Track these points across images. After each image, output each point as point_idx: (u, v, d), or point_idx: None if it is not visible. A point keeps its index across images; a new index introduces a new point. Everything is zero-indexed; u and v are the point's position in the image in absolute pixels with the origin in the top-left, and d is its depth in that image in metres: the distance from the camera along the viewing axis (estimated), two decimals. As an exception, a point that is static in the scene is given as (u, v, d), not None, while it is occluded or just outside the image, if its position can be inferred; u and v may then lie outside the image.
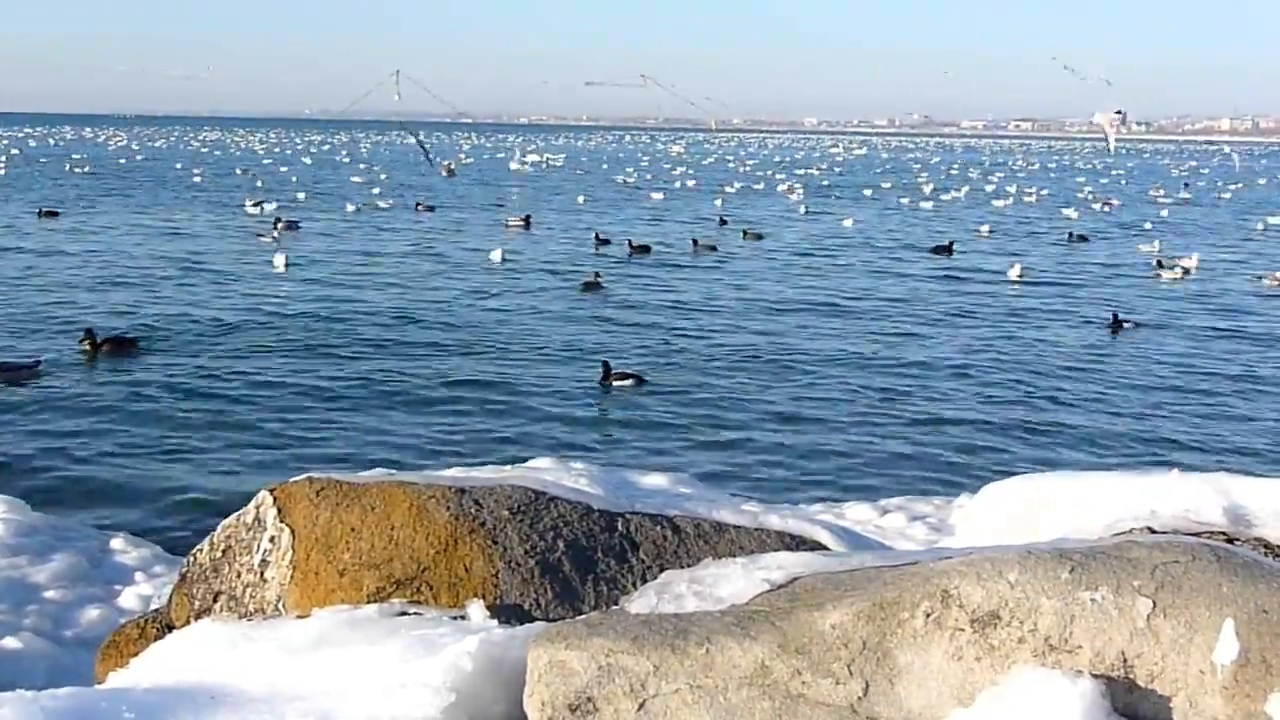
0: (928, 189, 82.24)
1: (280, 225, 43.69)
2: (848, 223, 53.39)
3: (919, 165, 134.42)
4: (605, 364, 19.80)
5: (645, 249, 39.29)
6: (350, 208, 54.43)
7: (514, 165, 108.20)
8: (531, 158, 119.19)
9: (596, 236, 42.30)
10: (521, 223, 48.65)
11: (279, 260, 33.67)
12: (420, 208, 55.75)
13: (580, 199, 63.11)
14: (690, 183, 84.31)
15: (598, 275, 32.14)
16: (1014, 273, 35.27)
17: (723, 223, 51.31)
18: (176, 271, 32.52)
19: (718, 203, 62.28)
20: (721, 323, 26.69)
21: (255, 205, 53.25)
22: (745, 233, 47.18)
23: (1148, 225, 55.61)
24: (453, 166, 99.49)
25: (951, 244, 43.29)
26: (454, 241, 42.74)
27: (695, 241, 41.32)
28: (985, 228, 51.14)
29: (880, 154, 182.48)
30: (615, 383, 19.41)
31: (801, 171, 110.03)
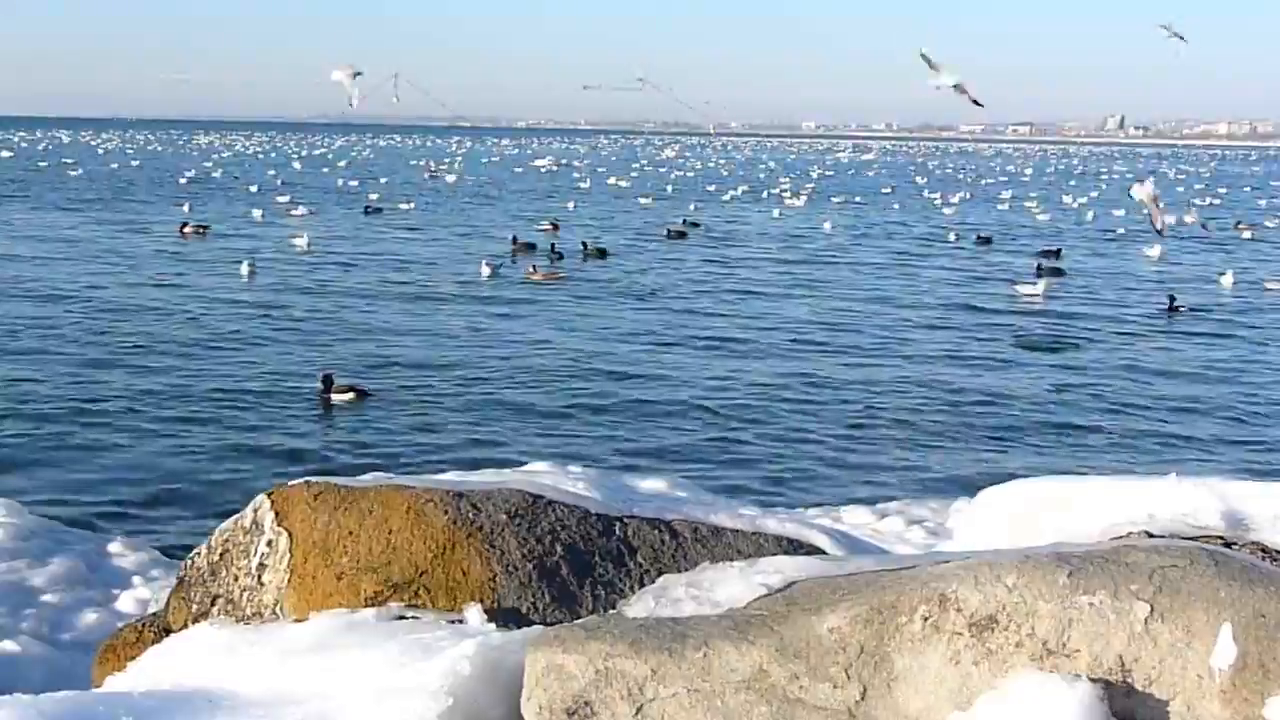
0: (927, 194, 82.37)
1: (188, 229, 42.92)
2: (827, 225, 53.07)
3: (913, 170, 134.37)
4: (326, 376, 18.54)
5: (560, 255, 39.18)
6: (299, 211, 54.07)
7: (538, 162, 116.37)
8: (540, 162, 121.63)
9: (514, 240, 41.43)
10: (550, 226, 48.04)
11: (243, 269, 33.42)
12: (369, 210, 55.49)
13: (570, 204, 62.47)
14: (682, 188, 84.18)
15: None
16: (1034, 289, 33.26)
17: (695, 225, 51.16)
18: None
19: (692, 207, 61.77)
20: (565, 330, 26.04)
21: (186, 208, 52.90)
22: (669, 233, 46.91)
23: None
24: (434, 168, 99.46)
25: (1059, 250, 42.90)
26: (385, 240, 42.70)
27: (585, 244, 40.46)
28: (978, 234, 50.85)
29: (881, 158, 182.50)
30: (335, 396, 18.15)
31: (796, 174, 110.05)
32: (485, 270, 33.91)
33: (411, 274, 34.41)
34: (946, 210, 67.29)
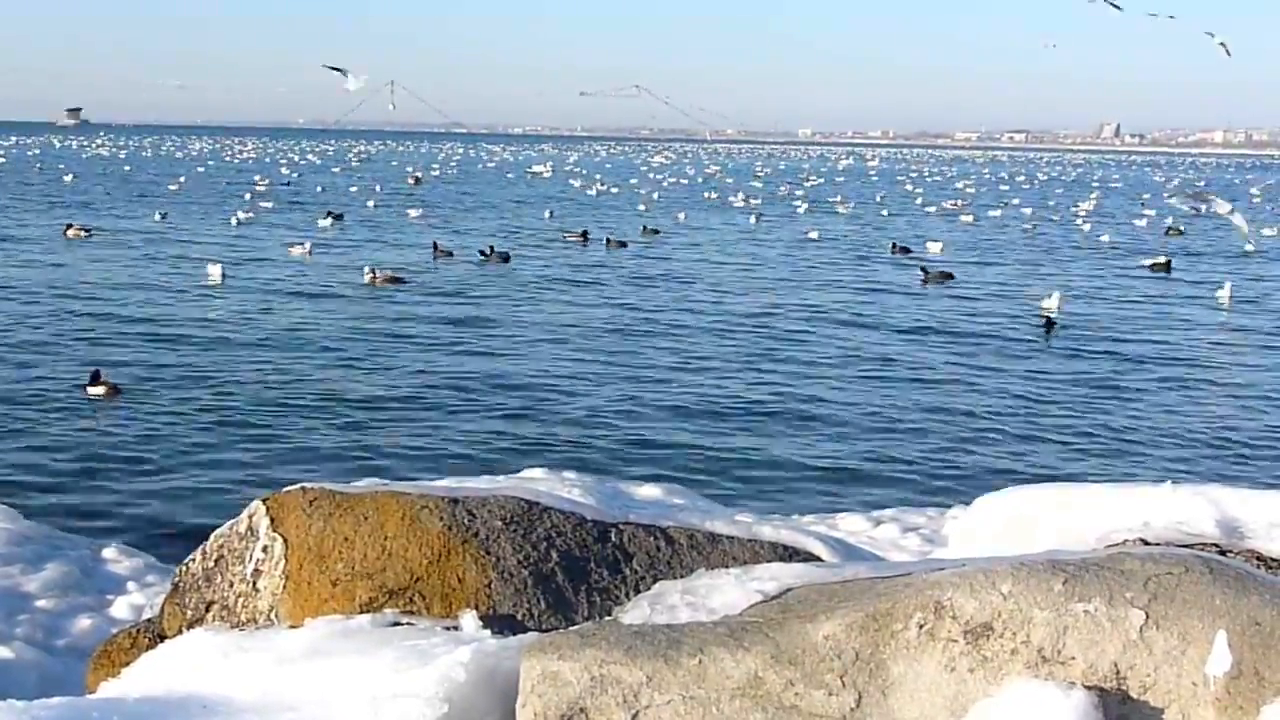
0: (918, 201, 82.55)
1: (71, 231, 42.50)
2: (813, 234, 52.53)
3: (913, 178, 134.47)
4: (95, 371, 19.25)
5: (448, 254, 40.05)
6: (245, 215, 53.92)
7: (536, 168, 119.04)
8: (537, 168, 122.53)
9: (435, 246, 41.43)
10: (579, 236, 47.70)
11: (214, 271, 33.23)
12: (329, 216, 54.65)
13: (547, 213, 61.44)
14: (672, 194, 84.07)
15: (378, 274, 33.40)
16: (1052, 304, 31.51)
17: (655, 232, 51.07)
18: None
19: (681, 216, 61.11)
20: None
21: (161, 215, 52.74)
22: (609, 241, 46.52)
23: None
24: (419, 175, 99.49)
25: (1169, 261, 42.17)
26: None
27: (483, 251, 40.34)
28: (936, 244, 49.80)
29: (879, 165, 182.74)
30: (90, 390, 18.85)
31: (791, 182, 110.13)
32: (368, 276, 33.43)
33: (299, 280, 33.93)
34: (965, 218, 67.19)
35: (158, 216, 52.69)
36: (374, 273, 33.52)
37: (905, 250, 45.97)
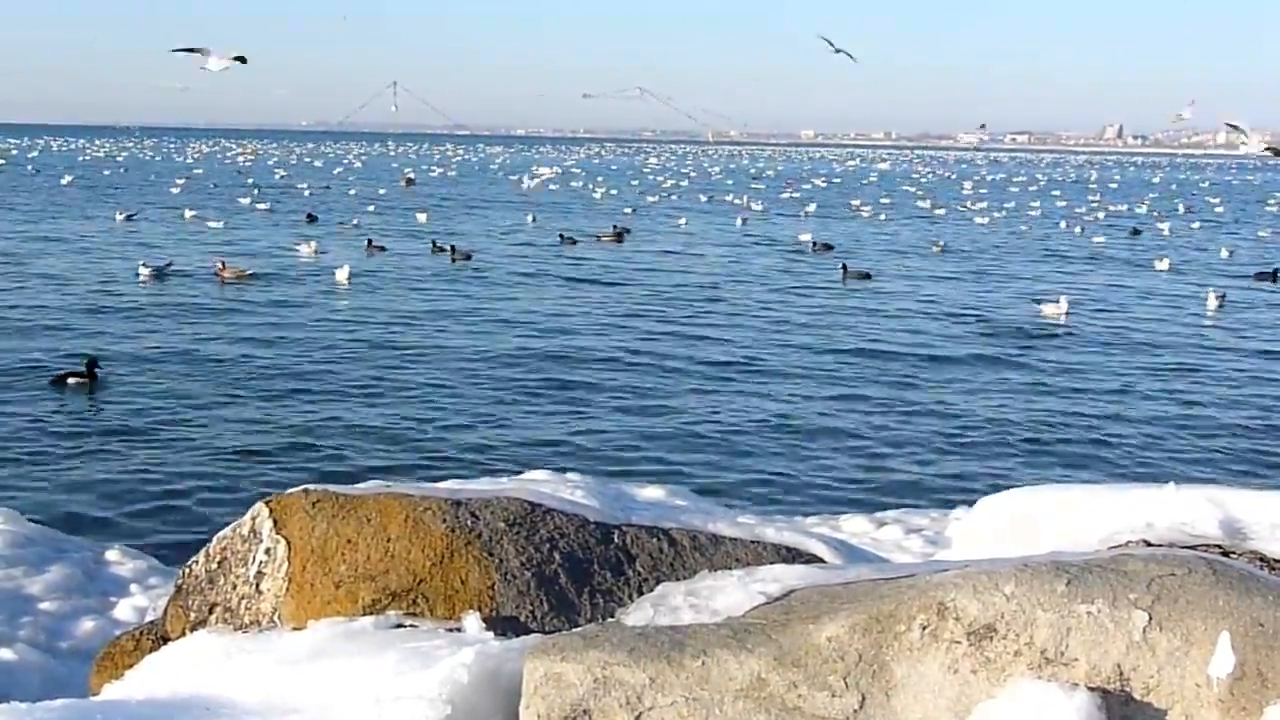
0: (925, 203, 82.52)
1: None
2: (805, 236, 52.19)
3: (913, 179, 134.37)
4: (58, 376, 19.86)
5: (381, 249, 41.03)
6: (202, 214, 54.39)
7: (540, 170, 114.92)
8: (542, 170, 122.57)
9: (369, 243, 42.04)
10: (613, 236, 47.95)
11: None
12: (310, 218, 54.79)
13: (530, 218, 60.22)
14: (670, 196, 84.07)
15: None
16: (1058, 309, 30.92)
17: (627, 231, 51.16)
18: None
19: (682, 220, 60.80)
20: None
21: (124, 216, 52.81)
22: (561, 238, 47.23)
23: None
24: (412, 177, 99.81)
25: (1276, 271, 40.68)
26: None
27: (436, 244, 41.18)
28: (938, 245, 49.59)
29: (883, 166, 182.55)
30: (71, 380, 19.61)
31: (793, 183, 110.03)
32: (217, 268, 33.20)
33: (285, 280, 33.89)
34: (980, 221, 67.00)
35: (119, 218, 52.78)
36: (223, 265, 33.06)
37: (827, 248, 46.08)
